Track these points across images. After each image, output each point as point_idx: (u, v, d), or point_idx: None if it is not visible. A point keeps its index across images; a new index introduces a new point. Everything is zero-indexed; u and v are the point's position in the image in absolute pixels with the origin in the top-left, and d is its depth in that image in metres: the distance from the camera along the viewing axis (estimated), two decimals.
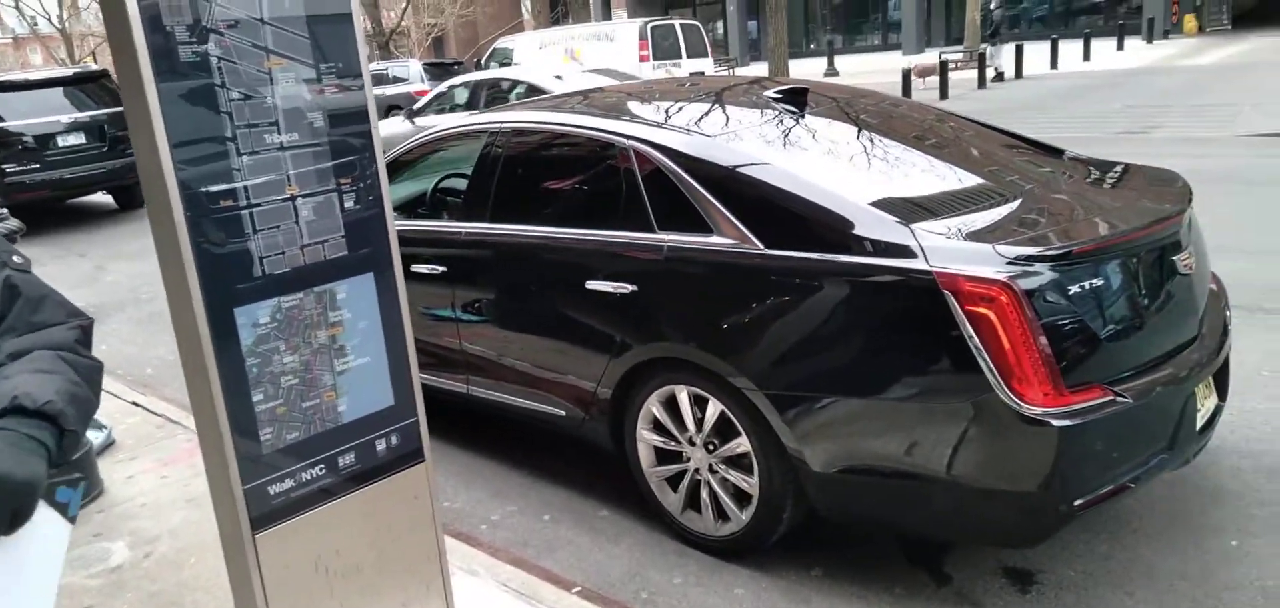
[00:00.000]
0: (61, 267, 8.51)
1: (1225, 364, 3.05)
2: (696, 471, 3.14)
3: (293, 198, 1.72)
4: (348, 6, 1.75)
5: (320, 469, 1.87)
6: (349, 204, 1.80)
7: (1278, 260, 5.82)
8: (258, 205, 1.68)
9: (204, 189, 1.62)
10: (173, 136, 1.57)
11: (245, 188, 1.66)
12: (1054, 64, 21.81)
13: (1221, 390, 3.05)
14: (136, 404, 4.71)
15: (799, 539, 3.14)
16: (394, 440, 1.99)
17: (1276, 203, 7.46)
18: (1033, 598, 2.83)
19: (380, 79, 21.19)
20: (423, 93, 20.10)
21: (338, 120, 1.77)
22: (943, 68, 18.20)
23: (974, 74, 19.94)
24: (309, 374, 1.80)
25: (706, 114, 3.39)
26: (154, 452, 4.13)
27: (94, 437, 4.03)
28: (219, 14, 1.58)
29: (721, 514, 3.11)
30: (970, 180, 3.03)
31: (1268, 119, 11.60)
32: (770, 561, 3.10)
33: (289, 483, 1.83)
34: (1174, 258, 2.74)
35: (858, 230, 2.63)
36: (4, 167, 9.57)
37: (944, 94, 17.73)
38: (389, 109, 20.63)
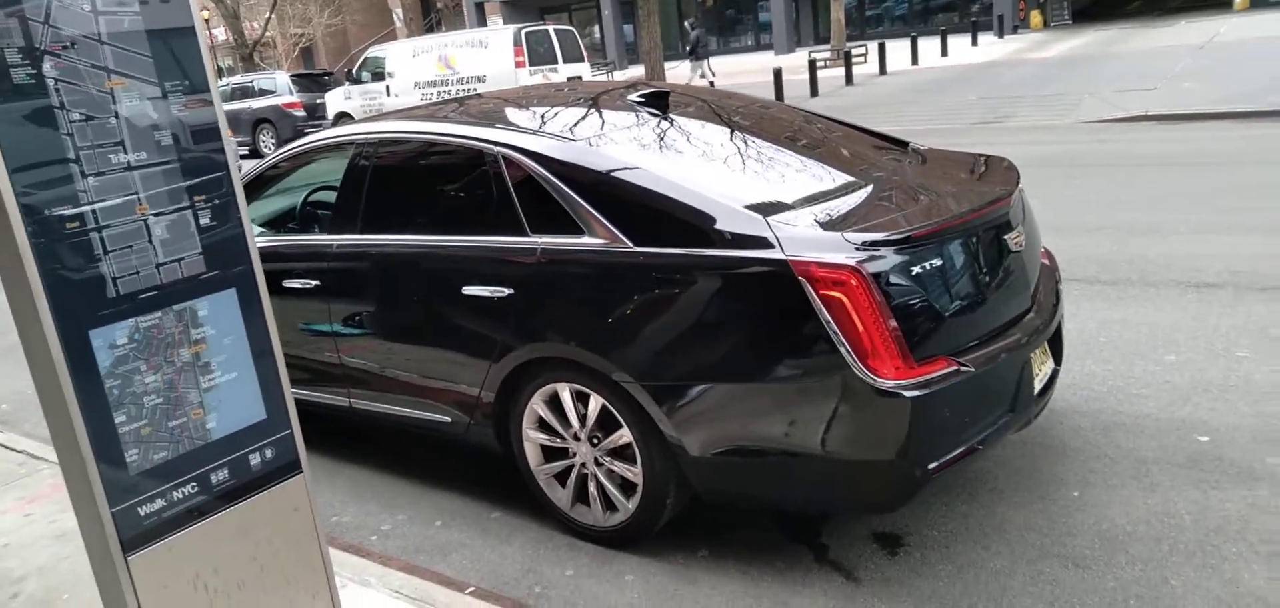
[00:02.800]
0: None
1: (1058, 331, 3.33)
2: (582, 465, 3.21)
3: (144, 217, 1.70)
4: (190, 20, 1.74)
5: (192, 487, 1.86)
6: (205, 220, 1.79)
7: (1113, 236, 6.35)
8: (108, 227, 1.66)
9: (49, 212, 1.59)
10: (11, 160, 1.54)
11: (93, 209, 1.63)
12: (914, 60, 22.93)
13: (1057, 355, 3.33)
14: None
15: (685, 525, 3.26)
16: (269, 454, 1.99)
17: (1112, 183, 8.11)
18: (901, 559, 3.03)
19: (246, 92, 20.42)
20: (293, 105, 19.48)
21: (187, 137, 1.76)
22: (811, 66, 18.88)
23: (841, 71, 20.76)
24: (174, 393, 1.78)
25: (573, 119, 3.47)
26: (16, 490, 3.92)
27: None
28: (53, 36, 1.56)
29: (609, 505, 3.20)
30: (824, 173, 3.22)
31: (1104, 106, 12.56)
32: (658, 546, 3.21)
33: (160, 502, 1.81)
34: (1006, 237, 2.99)
35: (719, 225, 2.76)
36: None
37: (814, 91, 18.40)
38: (257, 122, 19.90)
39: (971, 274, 2.88)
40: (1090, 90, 14.39)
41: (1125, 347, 4.46)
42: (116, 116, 1.68)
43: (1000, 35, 28.40)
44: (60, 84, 1.61)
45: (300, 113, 19.58)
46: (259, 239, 4.01)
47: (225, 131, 1.86)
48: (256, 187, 4.19)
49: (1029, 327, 3.05)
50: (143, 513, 1.78)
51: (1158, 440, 3.56)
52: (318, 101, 20.25)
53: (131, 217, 1.69)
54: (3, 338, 6.47)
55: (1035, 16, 30.27)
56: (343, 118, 18.67)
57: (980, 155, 3.68)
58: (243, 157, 18.23)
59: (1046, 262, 3.54)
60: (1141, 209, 7.00)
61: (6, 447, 4.39)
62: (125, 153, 1.67)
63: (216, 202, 1.83)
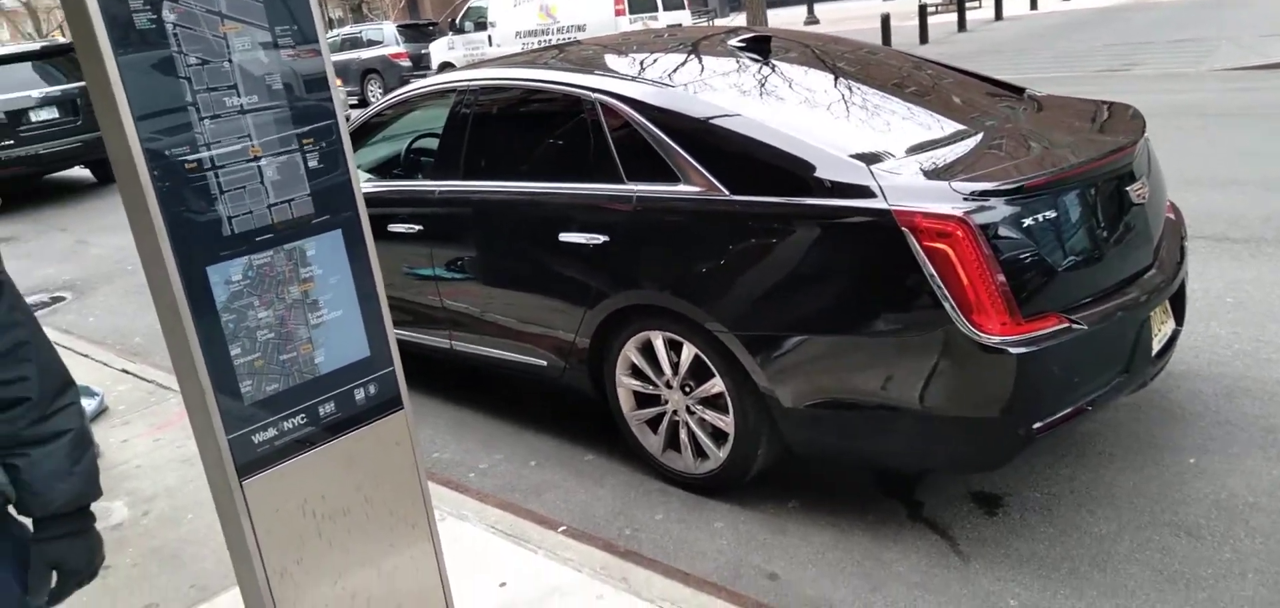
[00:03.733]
0: (43, 242, 8.51)
1: (1181, 290, 3.14)
2: (674, 412, 3.23)
3: (257, 159, 1.77)
4: None
5: (301, 419, 1.94)
6: (313, 164, 1.85)
7: (1247, 192, 5.92)
8: (223, 168, 1.73)
9: (169, 155, 1.67)
10: (135, 105, 1.61)
11: (209, 151, 1.71)
12: (1033, 5, 21.75)
13: (1178, 315, 3.15)
14: (126, 372, 4.78)
15: (777, 476, 3.25)
16: (372, 390, 2.06)
17: (1249, 135, 7.54)
18: (999, 520, 2.95)
19: (355, 42, 21.00)
20: (399, 55, 19.94)
21: (296, 82, 1.81)
22: (921, 12, 18.14)
23: (954, 17, 19.88)
24: (284, 328, 1.86)
25: (672, 65, 3.44)
26: (146, 417, 4.21)
27: (87, 404, 4.10)
28: None
29: (700, 453, 3.22)
30: (932, 121, 3.10)
31: (1243, 52, 11.66)
32: (749, 495, 3.21)
33: (272, 432, 1.90)
34: (1128, 189, 2.83)
35: (819, 173, 2.70)
36: None
37: (923, 38, 17.70)
38: (365, 73, 20.48)
39: (1088, 227, 2.74)
40: (1229, 35, 13.37)
41: (1255, 309, 4.17)
42: (230, 61, 1.74)
43: None
44: (178, 29, 1.68)
45: (406, 63, 20.03)
46: (365, 185, 4.16)
47: (333, 79, 1.91)
48: (363, 133, 4.32)
49: (1149, 284, 2.88)
50: (256, 441, 1.88)
51: None
52: (422, 51, 20.66)
53: (245, 159, 1.76)
54: (134, 277, 6.92)
55: None
56: (446, 67, 19.01)
57: (1102, 102, 3.47)
58: (351, 105, 18.82)
59: (1171, 216, 3.33)
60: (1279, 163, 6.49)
61: (138, 377, 4.71)
62: (239, 97, 1.73)
63: (324, 147, 1.88)
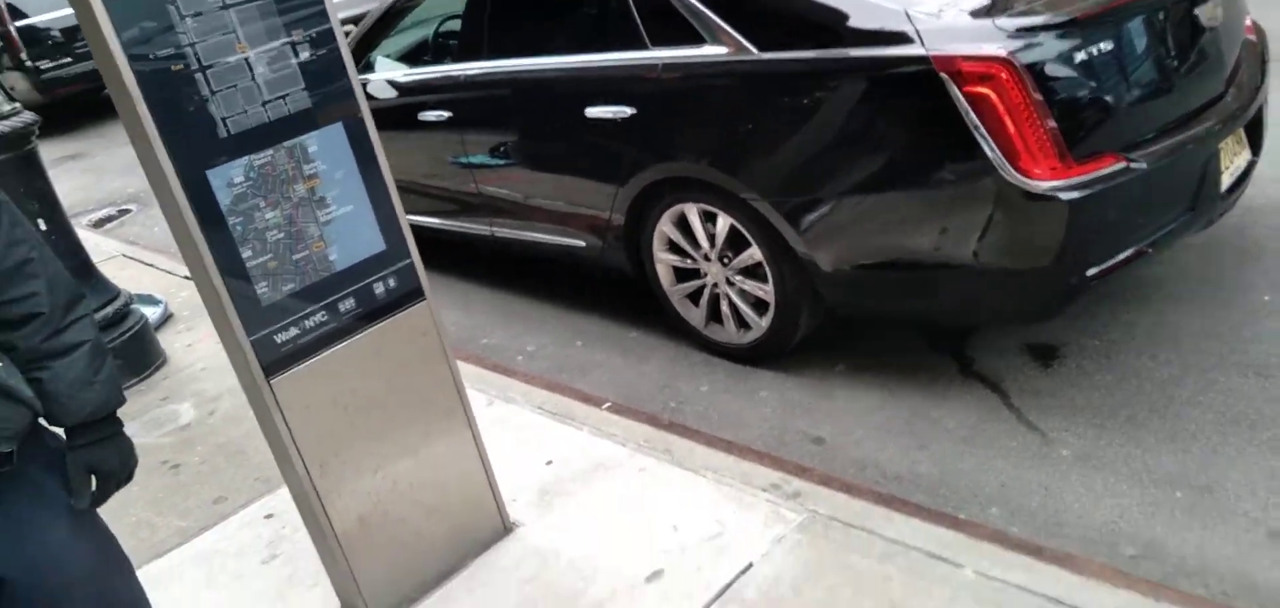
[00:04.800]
0: (108, 156, 8.74)
1: (1259, 117, 2.90)
2: (714, 285, 3.18)
3: (245, 57, 1.72)
4: None
5: (322, 316, 1.95)
6: (305, 57, 1.79)
7: None
8: (211, 67, 1.69)
9: (154, 58, 1.63)
10: (114, 10, 1.58)
11: (194, 50, 1.67)
12: None
13: (1255, 145, 2.92)
14: (189, 279, 4.91)
15: (824, 340, 3.19)
16: (392, 283, 2.06)
17: None
18: (1054, 371, 2.85)
19: None
20: None
21: None
22: None
23: None
24: (294, 227, 1.85)
25: None
26: (208, 321, 4.33)
27: (151, 312, 4.25)
28: None
29: (742, 323, 3.17)
30: None
31: None
32: (794, 362, 3.17)
33: (294, 331, 1.92)
34: (1197, 11, 2.58)
35: (853, 21, 2.53)
36: (37, 63, 9.64)
37: None
38: None
39: (1151, 57, 2.53)
40: None
41: None
42: None
43: None
44: None
45: None
46: (396, 74, 4.10)
47: None
48: (389, 21, 4.23)
49: (1221, 113, 2.67)
50: (278, 340, 1.90)
51: None
52: None
53: (233, 57, 1.72)
54: None
55: None
56: None
57: None
58: None
59: (1251, 36, 3.05)
60: None
61: None
62: None
63: (314, 37, 1.83)
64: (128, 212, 6.92)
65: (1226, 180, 2.71)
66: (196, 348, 4.05)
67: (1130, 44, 2.47)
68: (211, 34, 1.69)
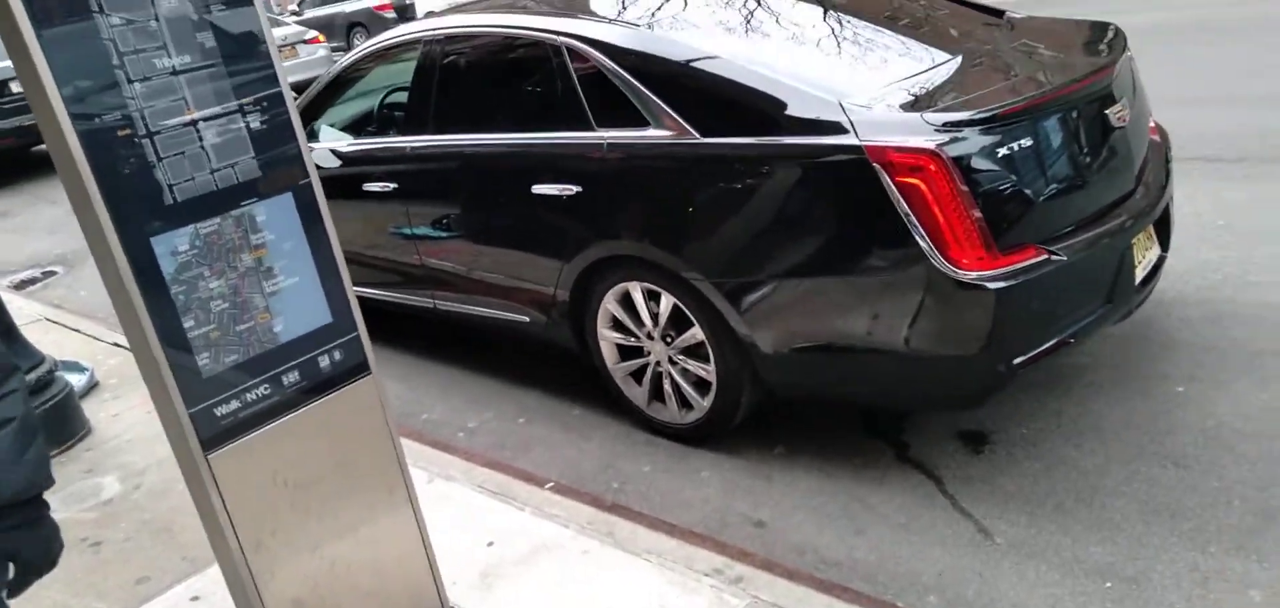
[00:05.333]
0: (33, 215, 8.47)
1: (1167, 214, 3.09)
2: (657, 363, 3.21)
3: (194, 122, 1.73)
4: None
5: (265, 389, 1.92)
6: (256, 124, 1.80)
7: (1245, 108, 5.81)
8: (158, 133, 1.69)
9: (100, 122, 1.62)
10: (58, 72, 1.57)
11: (142, 115, 1.66)
12: None
13: (1164, 240, 3.10)
14: (117, 345, 4.78)
15: (764, 421, 3.24)
16: (338, 356, 2.04)
17: (1253, 48, 7.38)
18: (985, 457, 2.93)
19: None
20: (384, 7, 19.63)
21: (231, 40, 1.76)
22: None
23: None
24: (239, 297, 1.84)
25: (640, 5, 3.35)
26: (138, 389, 4.21)
27: (76, 379, 4.11)
28: None
29: (684, 403, 3.20)
30: (908, 50, 3.02)
31: None
32: (735, 442, 3.21)
33: (235, 403, 1.89)
34: (1108, 111, 2.76)
35: (790, 111, 2.64)
36: None
37: None
38: (351, 26, 20.20)
39: (1067, 154, 2.68)
40: None
41: (1247, 231, 4.11)
42: (157, 19, 1.68)
43: None
44: None
45: (391, 14, 19.71)
46: (340, 144, 4.11)
47: (269, 35, 1.85)
48: (335, 89, 4.25)
49: (1133, 209, 2.83)
50: (219, 414, 1.86)
51: (1276, 332, 3.29)
52: (407, 2, 20.33)
53: (182, 124, 1.72)
54: None
55: None
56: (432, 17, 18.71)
57: (1083, 22, 3.39)
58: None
59: (1156, 138, 3.27)
60: (1277, 80, 6.35)
61: (125, 347, 4.70)
62: (170, 57, 1.68)
63: (266, 105, 1.83)
64: (53, 274, 6.70)
65: (1140, 273, 2.86)
66: (123, 418, 3.93)
67: (1048, 141, 2.63)
68: (160, 98, 1.68)
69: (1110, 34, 3.17)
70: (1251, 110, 5.74)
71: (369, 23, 19.81)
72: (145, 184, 1.68)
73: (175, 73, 1.69)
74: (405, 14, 19.61)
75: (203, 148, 1.74)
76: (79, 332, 5.03)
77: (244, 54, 1.78)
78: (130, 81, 1.64)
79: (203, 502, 1.97)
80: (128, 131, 1.65)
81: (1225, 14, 8.94)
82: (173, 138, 1.71)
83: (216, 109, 1.75)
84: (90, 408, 3.99)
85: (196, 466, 1.88)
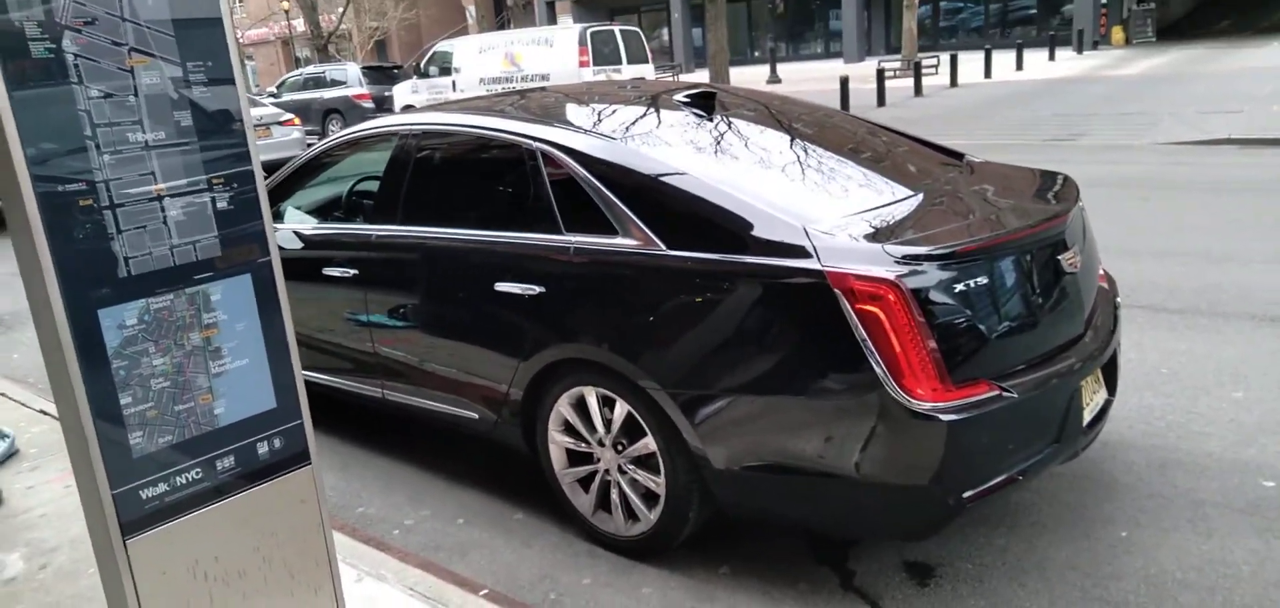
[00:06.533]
0: None
1: (1113, 360, 3.16)
2: (606, 471, 3.16)
3: (159, 197, 1.69)
4: (217, 11, 1.72)
5: (197, 473, 1.84)
6: (222, 204, 1.77)
7: (1183, 262, 6.05)
8: (121, 205, 1.65)
9: (63, 189, 1.58)
10: (25, 133, 1.54)
11: (107, 187, 1.63)
12: (988, 73, 22.36)
13: (1111, 385, 3.16)
14: (44, 413, 4.58)
15: (709, 540, 3.18)
16: (277, 443, 1.97)
17: (1187, 207, 7.75)
18: (931, 591, 2.90)
19: (318, 82, 20.91)
20: (362, 96, 19.88)
21: (207, 120, 1.75)
22: (879, 76, 18.55)
23: (911, 82, 20.36)
24: (182, 376, 1.77)
25: (626, 118, 3.41)
26: (59, 461, 4.01)
27: None
28: (75, 12, 1.55)
29: (631, 515, 3.14)
30: (871, 183, 3.11)
31: (1185, 128, 12.06)
32: (679, 560, 3.13)
33: (163, 487, 1.80)
34: (1060, 257, 2.84)
35: (756, 231, 2.67)
36: None
37: (881, 101, 18.06)
38: (327, 112, 20.35)
39: (1021, 295, 2.74)
40: (1171, 110, 13.83)
41: (1189, 380, 4.23)
42: (135, 95, 1.67)
43: (1079, 51, 27.51)
44: (79, 60, 1.61)
45: (369, 104, 19.95)
46: (304, 227, 4.06)
47: (248, 118, 1.84)
48: (306, 174, 4.23)
49: (1081, 353, 2.89)
50: (144, 496, 1.77)
51: (1219, 482, 3.35)
52: (386, 94, 20.62)
53: (147, 196, 1.68)
54: None
55: (1117, 32, 29.25)
56: (409, 110, 18.95)
57: (1038, 171, 3.52)
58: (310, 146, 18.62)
59: (1104, 285, 3.37)
60: (1217, 236, 6.66)
61: (55, 417, 4.50)
62: (144, 132, 1.66)
63: (236, 186, 1.81)
64: None
65: (1088, 415, 2.91)
66: (39, 491, 3.73)
67: (1003, 281, 2.69)
68: (128, 169, 1.65)
69: (1062, 183, 3.29)
70: (1186, 264, 5.98)
71: (346, 110, 20.00)
72: (100, 254, 1.63)
73: (148, 147, 1.67)
74: (383, 105, 19.85)
75: (165, 223, 1.70)
76: (5, 396, 4.81)
77: (218, 131, 1.76)
78: (100, 151, 1.61)
79: (114, 590, 1.85)
80: (89, 200, 1.61)
81: (1163, 173, 9.42)
82: (135, 210, 1.67)
83: (184, 183, 1.72)
84: (5, 478, 3.80)
85: (112, 550, 1.78)
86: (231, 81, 1.78)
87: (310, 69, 22.36)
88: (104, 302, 1.66)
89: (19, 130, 1.54)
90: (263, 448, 1.95)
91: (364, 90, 20.31)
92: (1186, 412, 3.92)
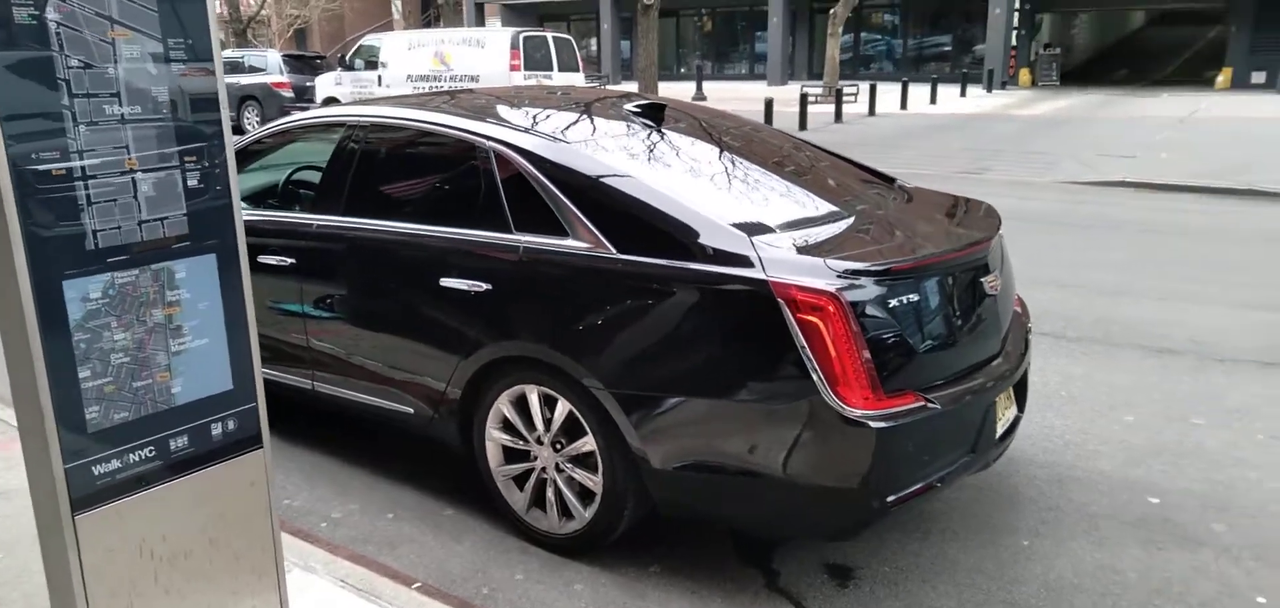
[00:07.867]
0: None
1: (1024, 379, 3.38)
2: (543, 469, 3.21)
3: (132, 173, 1.69)
4: None
5: (150, 451, 1.84)
6: (193, 182, 1.78)
7: (1081, 295, 6.46)
8: (93, 178, 1.64)
9: (36, 158, 1.57)
10: (2, 100, 1.52)
11: (81, 159, 1.62)
12: (904, 104, 23.19)
13: (1020, 402, 3.38)
14: None
15: (639, 538, 3.27)
16: (231, 425, 1.97)
17: (1085, 243, 8.25)
18: (850, 591, 3.05)
19: (236, 67, 20.25)
20: (282, 85, 19.36)
21: (183, 98, 1.75)
22: (802, 100, 19.05)
23: (832, 108, 20.98)
24: (142, 353, 1.77)
25: (564, 122, 3.48)
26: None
27: None
28: None
29: (566, 512, 3.20)
30: (809, 200, 3.25)
31: (1083, 168, 12.78)
32: (610, 557, 3.21)
33: (115, 464, 1.79)
34: (982, 280, 3.04)
35: (702, 239, 2.78)
36: None
37: (803, 125, 18.55)
38: (243, 99, 19.73)
39: (946, 313, 2.92)
40: (1071, 152, 14.63)
41: (1085, 403, 4.53)
42: (115, 67, 1.66)
43: (989, 89, 28.81)
44: (61, 29, 1.59)
45: (288, 93, 19.44)
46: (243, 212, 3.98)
47: (224, 101, 1.85)
48: (242, 160, 4.15)
49: (996, 371, 3.09)
50: (96, 473, 1.76)
51: (1110, 498, 3.62)
52: (307, 84, 20.12)
53: (119, 172, 1.68)
54: None
55: (1024, 74, 30.76)
56: (331, 103, 18.55)
57: (963, 198, 3.74)
58: None
59: (1018, 310, 3.60)
60: (1111, 271, 7.13)
61: None
62: (120, 105, 1.65)
63: (207, 166, 1.82)
64: None
65: (1000, 429, 3.12)
66: None
67: (931, 299, 2.86)
68: (102, 144, 1.65)
69: (985, 211, 3.51)
70: (1084, 297, 6.39)
71: (264, 98, 19.42)
72: (69, 226, 1.62)
73: (123, 122, 1.66)
74: (303, 95, 19.34)
75: (136, 198, 1.70)
76: None
77: (195, 114, 1.77)
78: (76, 124, 1.61)
79: (57, 567, 1.83)
80: (63, 173, 1.60)
81: (1063, 211, 9.98)
82: (107, 185, 1.66)
83: (157, 163, 1.72)
84: None
85: (60, 525, 1.76)
86: (210, 59, 1.79)
87: (228, 53, 21.63)
88: (70, 273, 1.65)
89: None
90: (216, 429, 1.95)
91: (284, 79, 19.78)
92: (1083, 432, 4.21)
